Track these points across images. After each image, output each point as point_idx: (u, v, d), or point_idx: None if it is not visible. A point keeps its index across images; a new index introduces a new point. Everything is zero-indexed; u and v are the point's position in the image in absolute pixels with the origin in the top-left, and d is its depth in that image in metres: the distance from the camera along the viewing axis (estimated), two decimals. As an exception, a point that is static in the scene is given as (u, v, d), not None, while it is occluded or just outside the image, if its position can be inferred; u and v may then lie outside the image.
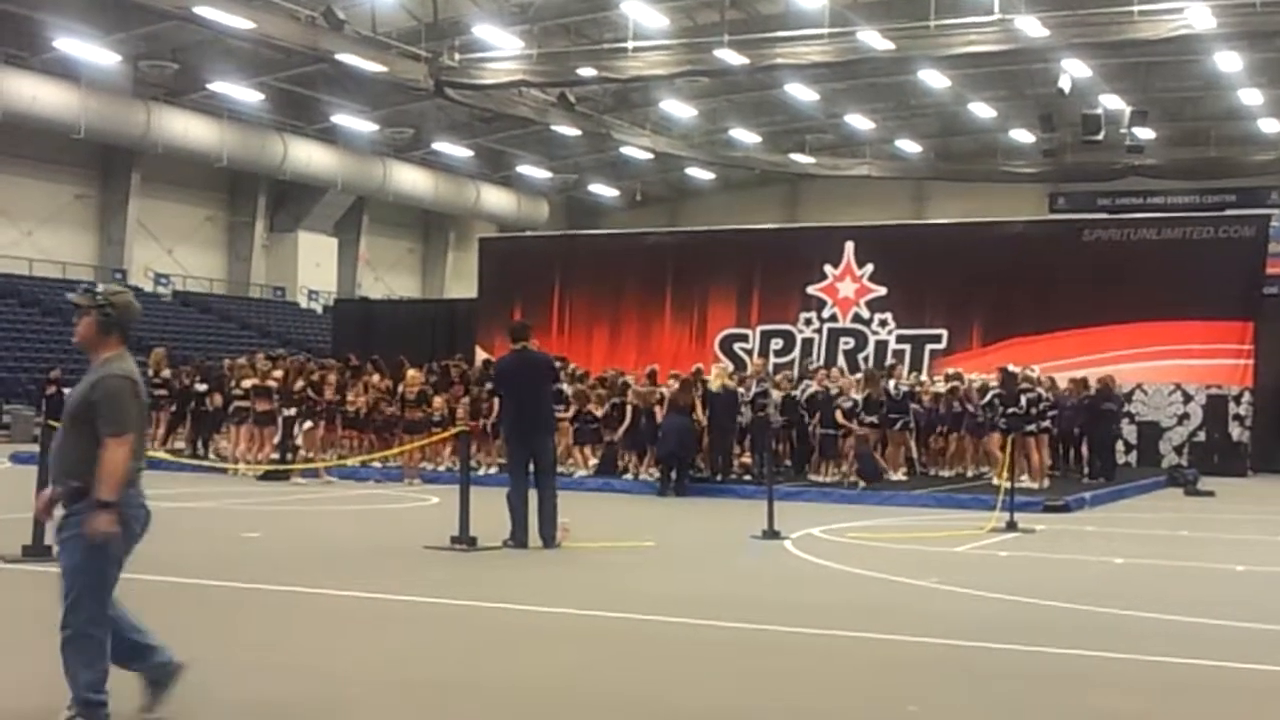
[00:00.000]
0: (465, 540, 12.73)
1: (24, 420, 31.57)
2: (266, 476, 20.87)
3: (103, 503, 5.90)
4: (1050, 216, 48.93)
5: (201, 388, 24.11)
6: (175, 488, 19.33)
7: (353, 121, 47.61)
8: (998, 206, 44.88)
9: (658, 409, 20.62)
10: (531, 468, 13.44)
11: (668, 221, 53.75)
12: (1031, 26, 33.15)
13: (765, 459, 17.71)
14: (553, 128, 47.50)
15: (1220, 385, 25.11)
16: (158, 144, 42.93)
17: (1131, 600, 10.31)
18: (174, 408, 24.84)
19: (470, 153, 53.00)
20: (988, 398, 20.62)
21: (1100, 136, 40.19)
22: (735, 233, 32.09)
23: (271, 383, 22.06)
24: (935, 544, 13.98)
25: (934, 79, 41.93)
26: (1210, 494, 20.96)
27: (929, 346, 26.77)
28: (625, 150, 51.70)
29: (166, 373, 25.25)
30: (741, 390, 21.05)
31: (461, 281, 52.13)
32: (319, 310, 50.02)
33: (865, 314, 27.35)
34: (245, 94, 43.40)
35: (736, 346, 28.06)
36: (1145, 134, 44.33)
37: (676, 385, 20.61)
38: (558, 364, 17.86)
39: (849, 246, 27.81)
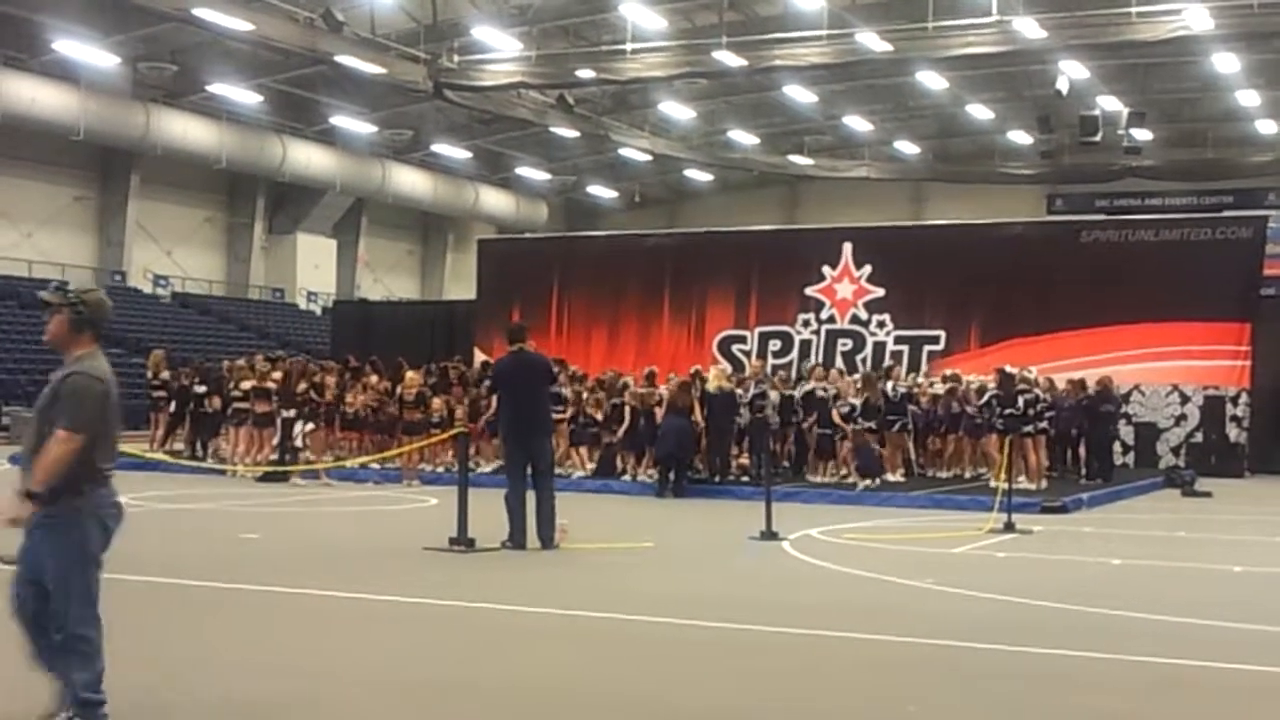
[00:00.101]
0: (464, 541, 12.76)
1: (23, 421, 31.56)
2: (265, 478, 20.89)
3: (29, 492, 5.84)
4: (1048, 218, 48.96)
5: (200, 389, 24.12)
6: (174, 489, 19.38)
7: (352, 123, 47.64)
8: (996, 208, 44.90)
9: (657, 410, 20.64)
10: (529, 469, 13.46)
11: (666, 223, 53.80)
12: (1029, 28, 33.17)
13: (763, 460, 17.74)
14: (551, 129, 47.52)
15: (1218, 386, 25.13)
16: (157, 146, 42.96)
17: (1129, 601, 10.34)
18: (173, 409, 24.87)
19: (469, 154, 53.03)
20: (985, 398, 20.65)
21: (1098, 138, 40.23)
22: (733, 234, 32.08)
23: (270, 384, 22.07)
24: (933, 545, 14.01)
25: (932, 80, 41.96)
26: (1207, 495, 20.99)
27: (927, 348, 26.79)
28: (624, 152, 51.73)
29: (166, 374, 25.28)
30: (740, 391, 21.07)
31: (460, 283, 52.16)
32: (318, 312, 50.04)
33: (863, 315, 27.37)
34: (244, 96, 43.43)
35: (735, 348, 28.07)
36: (1143, 135, 44.37)
37: (675, 386, 20.65)
38: (556, 366, 17.91)
39: (847, 248, 27.84)
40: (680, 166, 55.50)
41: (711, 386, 20.51)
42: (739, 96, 47.76)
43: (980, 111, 47.78)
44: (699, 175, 57.03)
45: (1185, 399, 25.32)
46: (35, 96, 39.02)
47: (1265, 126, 47.20)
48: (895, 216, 47.75)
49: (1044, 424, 20.34)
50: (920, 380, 23.40)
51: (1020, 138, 49.42)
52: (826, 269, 27.79)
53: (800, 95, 45.04)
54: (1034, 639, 8.74)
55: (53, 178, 43.34)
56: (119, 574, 10.97)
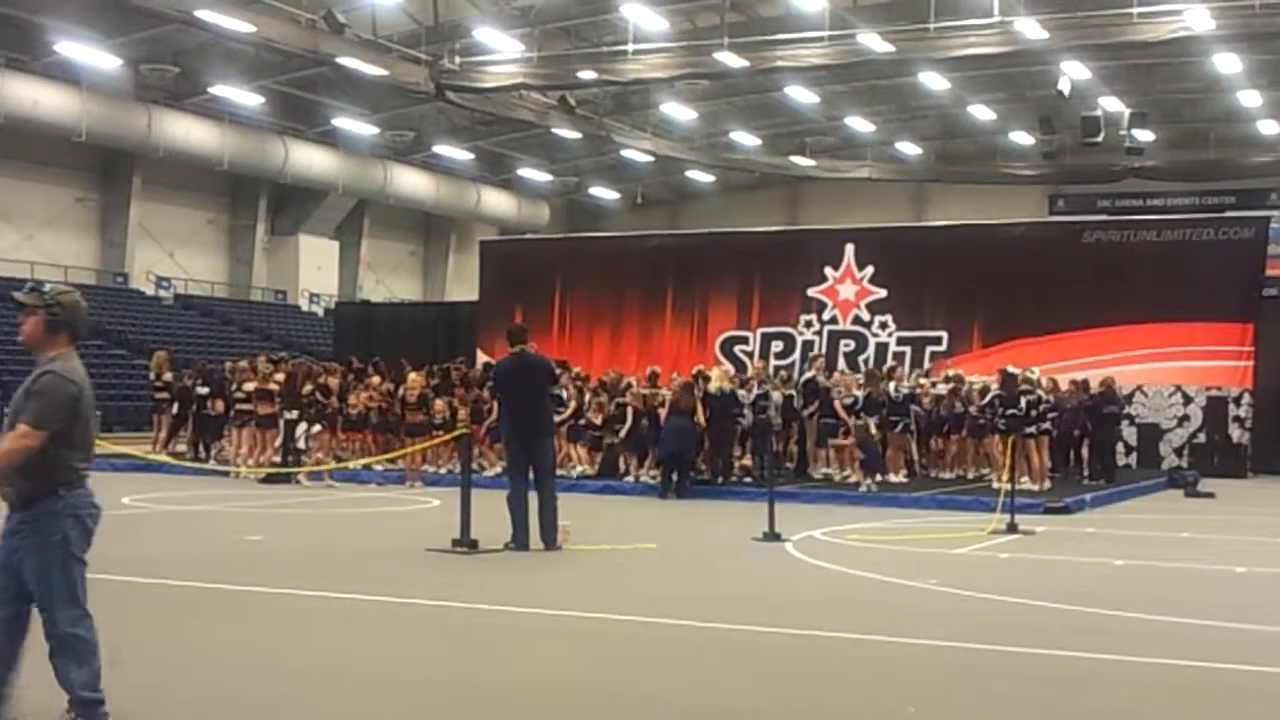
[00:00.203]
0: (467, 543, 12.76)
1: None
2: (268, 479, 20.90)
3: None
4: (1050, 218, 48.98)
5: (203, 391, 24.15)
6: (177, 490, 19.39)
7: (353, 125, 47.66)
8: (998, 208, 44.89)
9: (660, 411, 20.63)
10: (531, 471, 13.47)
11: (668, 224, 53.80)
12: (1031, 29, 33.16)
13: (766, 461, 17.73)
14: (553, 130, 47.53)
15: (1220, 387, 25.13)
16: (159, 147, 42.98)
17: (1131, 602, 10.34)
18: (175, 411, 24.89)
19: (471, 155, 53.03)
20: (987, 399, 20.65)
21: (1100, 138, 40.23)
22: (736, 235, 32.08)
23: (273, 386, 22.09)
24: (936, 546, 14.01)
25: (934, 81, 41.95)
26: (1210, 495, 20.98)
27: (929, 348, 26.78)
28: (626, 153, 51.74)
29: (168, 376, 25.31)
30: (743, 392, 21.07)
31: (462, 284, 52.18)
32: (320, 313, 50.07)
33: (865, 316, 27.37)
34: (246, 97, 43.45)
35: (737, 349, 28.08)
36: (1145, 136, 44.37)
37: (678, 387, 20.65)
38: (558, 368, 17.92)
39: (849, 249, 27.84)
40: (682, 167, 55.51)
41: (713, 387, 20.51)
42: (741, 97, 47.77)
43: (982, 112, 47.78)
44: (701, 176, 57.04)
45: (1188, 400, 25.32)
46: (37, 98, 39.05)
47: (1267, 127, 47.19)
48: (897, 217, 47.84)
49: (1046, 425, 20.33)
50: (923, 381, 23.40)
51: (1022, 138, 49.41)
52: (829, 270, 27.79)
53: (802, 96, 45.04)
54: (1036, 639, 8.74)
55: (55, 179, 43.37)
56: (121, 575, 11.01)
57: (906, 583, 11.29)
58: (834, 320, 27.59)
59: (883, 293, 27.29)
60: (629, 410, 21.29)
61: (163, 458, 22.64)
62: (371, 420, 22.63)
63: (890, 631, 8.95)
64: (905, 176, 54.12)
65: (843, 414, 20.67)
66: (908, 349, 26.76)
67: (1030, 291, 26.22)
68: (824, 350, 27.07)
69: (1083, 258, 26.16)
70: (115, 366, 38.54)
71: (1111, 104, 42.45)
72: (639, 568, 12.59)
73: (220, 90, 42.82)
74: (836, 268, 27.75)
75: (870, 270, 27.44)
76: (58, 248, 43.64)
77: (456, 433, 17.77)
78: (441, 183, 54.03)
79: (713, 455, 20.68)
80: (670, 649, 8.59)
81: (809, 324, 27.76)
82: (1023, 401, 19.83)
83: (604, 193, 59.69)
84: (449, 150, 51.76)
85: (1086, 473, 22.10)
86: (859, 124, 49.43)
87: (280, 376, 22.30)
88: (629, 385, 22.07)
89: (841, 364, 25.92)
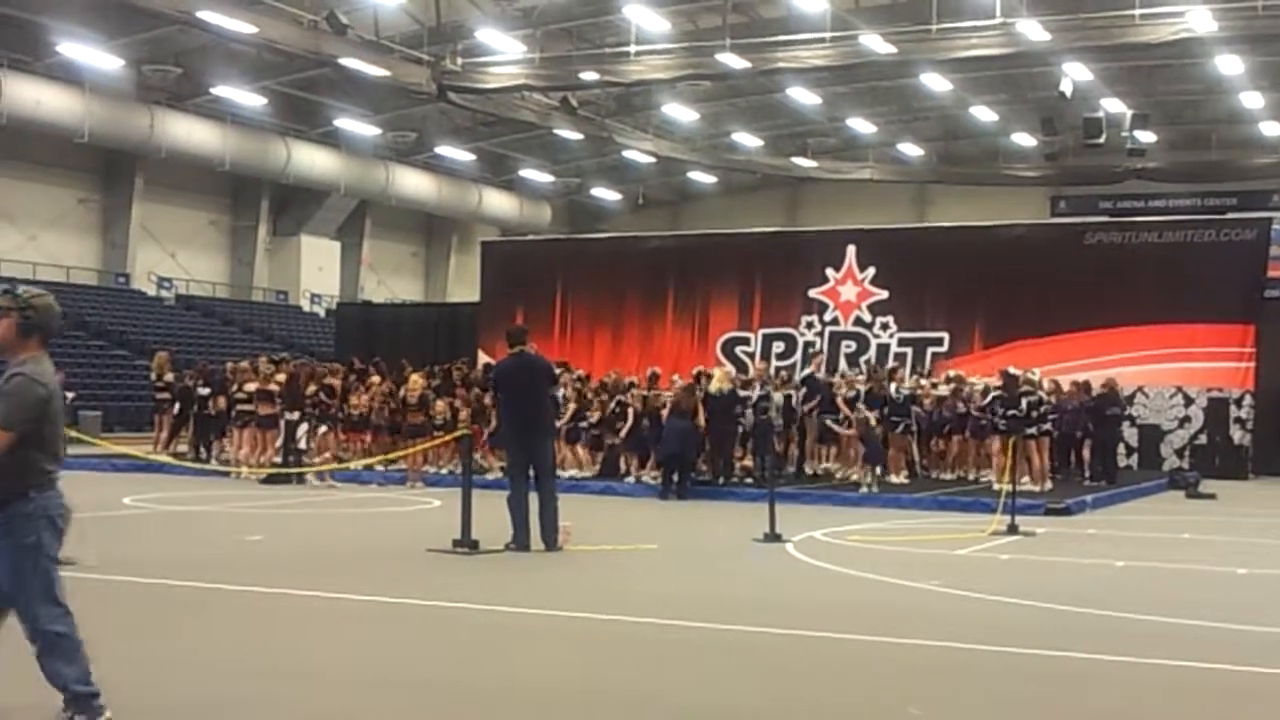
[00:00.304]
0: (467, 543, 12.77)
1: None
2: (269, 480, 20.92)
3: None
4: (1052, 220, 48.98)
5: (204, 391, 24.16)
6: (178, 491, 19.41)
7: (355, 125, 47.68)
8: (999, 210, 44.83)
9: (662, 413, 20.63)
10: (531, 471, 13.48)
11: (669, 225, 53.81)
12: (1033, 30, 33.16)
13: (767, 462, 17.73)
14: (555, 131, 47.55)
15: (1221, 388, 25.13)
16: (161, 148, 43.00)
17: (1132, 603, 10.34)
18: (177, 411, 24.90)
19: (473, 156, 53.05)
20: (988, 399, 20.66)
21: (1102, 140, 40.21)
22: (737, 236, 32.07)
23: (274, 386, 22.11)
24: (936, 547, 14.01)
25: (935, 83, 41.94)
26: (1211, 497, 20.98)
27: (930, 349, 26.79)
28: (627, 154, 51.76)
29: (170, 376, 25.33)
30: (744, 393, 21.07)
31: (464, 285, 52.19)
32: (321, 314, 50.10)
33: (867, 317, 27.37)
34: (248, 98, 43.48)
35: (738, 350, 28.09)
36: (1146, 137, 44.38)
37: (679, 388, 20.66)
38: (558, 368, 17.92)
39: (851, 250, 27.85)
40: (684, 168, 55.52)
41: (713, 388, 20.51)
42: (742, 99, 47.78)
43: (984, 113, 47.79)
44: (702, 177, 57.05)
45: (1189, 401, 25.32)
46: (40, 99, 39.07)
47: (1269, 129, 47.17)
48: (899, 218, 47.84)
49: (1047, 426, 20.33)
50: (924, 382, 23.41)
51: (1024, 140, 49.42)
52: (830, 271, 27.81)
53: (804, 97, 45.05)
54: (1037, 640, 8.74)
55: (57, 180, 43.40)
56: (122, 575, 11.03)
57: (907, 584, 11.29)
58: (835, 321, 27.60)
59: (884, 294, 27.30)
60: (629, 411, 21.30)
61: (164, 458, 22.65)
62: (372, 421, 22.64)
63: (891, 632, 8.96)
64: (907, 178, 54.12)
65: (844, 407, 20.68)
66: (909, 350, 26.78)
67: (1031, 293, 26.23)
68: (825, 351, 27.10)
69: (1084, 259, 26.17)
70: (117, 367, 38.57)
71: (1113, 105, 42.44)
72: (640, 568, 12.60)
73: (222, 91, 42.84)
74: (838, 269, 27.76)
75: (872, 271, 27.45)
76: (60, 248, 43.68)
77: (458, 433, 17.78)
78: (443, 183, 54.04)
79: (713, 456, 20.69)
80: (671, 649, 8.59)
81: (810, 325, 27.78)
82: (1023, 402, 19.83)
83: (605, 194, 59.70)
84: (451, 151, 51.78)
85: (1087, 474, 22.09)
86: (861, 125, 49.43)
87: (281, 377, 22.31)
88: (631, 385, 22.08)
89: (843, 365, 25.93)
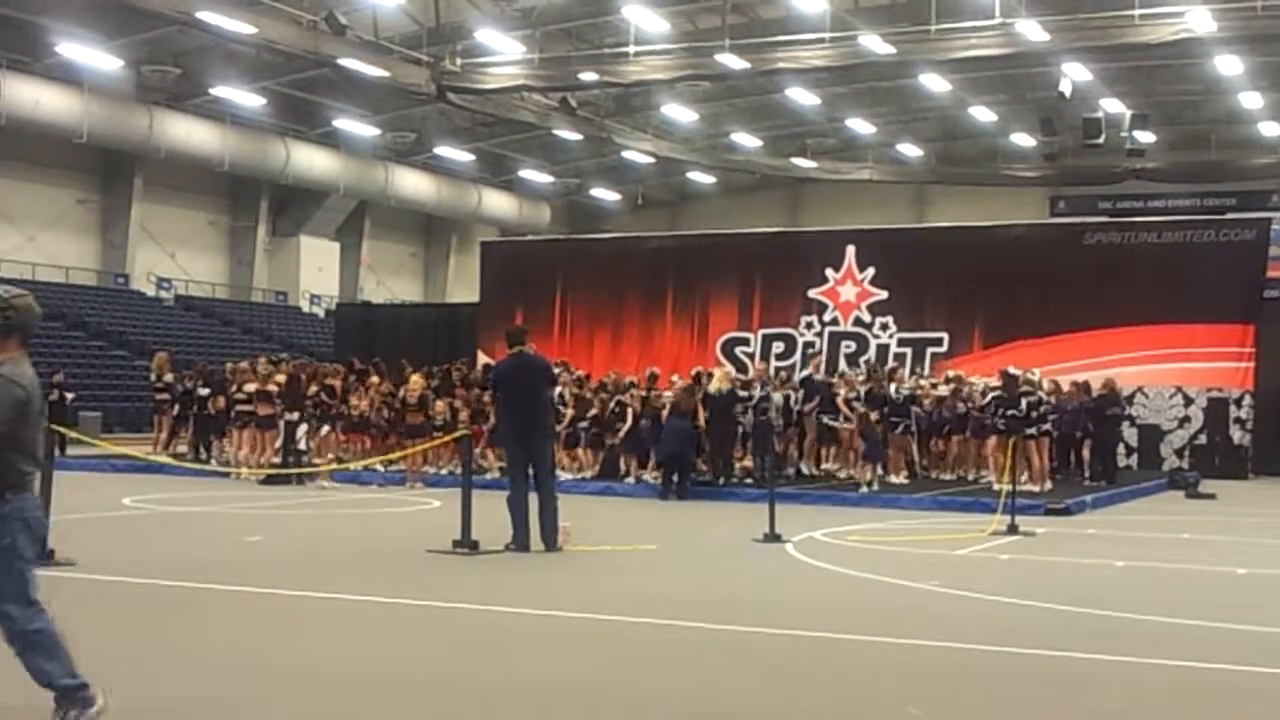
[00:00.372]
0: (467, 544, 12.76)
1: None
2: (269, 480, 20.91)
3: None
4: (1051, 220, 48.97)
5: (204, 392, 24.15)
6: (178, 491, 19.41)
7: (354, 126, 47.69)
8: (998, 210, 44.85)
9: (662, 413, 20.62)
10: (531, 471, 13.48)
11: (669, 225, 53.82)
12: (1032, 30, 33.17)
13: (767, 462, 17.72)
14: (554, 132, 47.57)
15: (1221, 388, 25.13)
16: (160, 149, 43.00)
17: (1132, 603, 10.34)
18: (176, 412, 24.90)
19: (472, 157, 53.06)
20: (987, 399, 20.66)
21: (1101, 140, 40.23)
22: (736, 236, 32.08)
23: (272, 387, 22.12)
24: (936, 547, 14.01)
25: (935, 83, 41.95)
26: (1211, 497, 20.99)
27: (930, 350, 26.79)
28: (626, 154, 51.77)
29: (169, 377, 25.32)
30: (744, 394, 21.05)
31: (463, 286, 52.21)
32: (321, 314, 50.11)
33: (866, 317, 27.37)
34: (247, 99, 43.48)
35: (738, 350, 28.09)
36: (1146, 137, 44.40)
37: (679, 388, 20.66)
38: (558, 369, 17.90)
39: (850, 250, 27.86)
40: (683, 169, 55.53)
41: (713, 388, 20.51)
42: (742, 99, 47.80)
43: (983, 114, 47.81)
44: (702, 178, 57.07)
45: (1189, 401, 25.32)
46: (39, 99, 39.07)
47: (1268, 129, 47.19)
48: (898, 219, 47.86)
49: (1046, 426, 20.33)
50: (923, 382, 23.42)
51: (1023, 140, 49.44)
52: (829, 271, 27.81)
53: (803, 98, 45.07)
54: (1037, 641, 8.74)
55: (56, 181, 43.41)
56: (121, 576, 11.02)
57: (907, 584, 11.29)
58: (835, 321, 27.61)
59: (884, 294, 27.30)
60: (629, 411, 21.30)
61: (163, 459, 22.64)
62: (371, 421, 22.63)
63: (890, 632, 8.95)
64: (906, 178, 54.14)
65: (844, 408, 20.68)
66: (909, 350, 26.79)
67: (1031, 293, 26.24)
68: (825, 351, 27.11)
69: (1083, 259, 26.17)
70: (116, 368, 38.57)
71: (1113, 106, 42.45)
72: (639, 569, 12.59)
73: (221, 91, 42.85)
74: (837, 269, 27.77)
75: (871, 272, 27.46)
76: (59, 249, 43.68)
77: (457, 434, 17.77)
78: (442, 184, 54.05)
79: (713, 456, 20.68)
80: (670, 650, 8.59)
81: (810, 325, 27.78)
82: (1023, 403, 19.83)
83: (605, 194, 59.71)
84: (450, 151, 51.79)
85: (1087, 474, 22.09)
86: (860, 125, 49.45)
87: (280, 378, 22.31)
88: (630, 385, 22.09)
89: (842, 365, 25.93)
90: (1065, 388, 22.16)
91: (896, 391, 21.42)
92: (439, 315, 36.04)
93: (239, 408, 22.65)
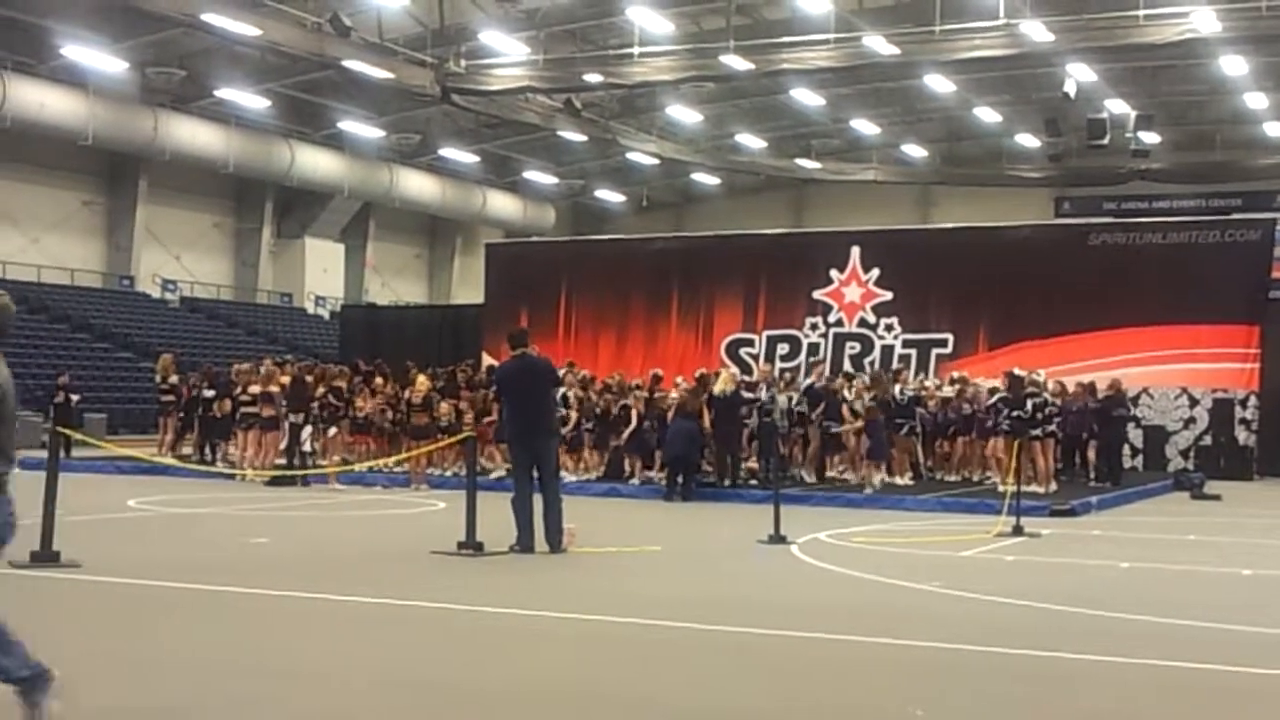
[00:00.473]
0: (472, 545, 12.77)
1: (31, 426, 31.58)
2: (274, 482, 20.93)
3: None
4: (1056, 221, 48.99)
5: (209, 394, 24.18)
6: (183, 493, 19.43)
7: (359, 128, 47.72)
8: (1003, 211, 44.88)
9: (668, 414, 20.62)
10: (535, 473, 13.49)
11: (674, 226, 53.82)
12: (1037, 31, 33.15)
13: (771, 464, 17.71)
14: (559, 133, 47.58)
15: (1226, 389, 25.10)
16: (165, 151, 43.05)
17: (1137, 604, 10.33)
18: (181, 414, 24.92)
19: (477, 158, 53.08)
20: (993, 400, 20.65)
21: (1106, 141, 40.20)
22: (741, 237, 32.07)
23: (274, 388, 22.14)
24: (941, 548, 14.00)
25: (939, 84, 41.94)
26: (1216, 498, 20.96)
27: (935, 351, 26.78)
28: (631, 156, 51.77)
29: (174, 379, 25.36)
30: (749, 395, 21.04)
31: (468, 287, 52.24)
32: (326, 316, 50.15)
33: (871, 319, 27.36)
34: (252, 101, 43.52)
35: (743, 351, 28.08)
36: (1151, 138, 44.37)
37: (685, 390, 20.66)
38: (564, 370, 17.90)
39: (855, 251, 27.85)
40: (688, 170, 55.53)
41: (718, 389, 20.51)
42: (746, 100, 47.80)
43: (988, 114, 47.79)
44: (706, 179, 57.06)
45: (1194, 402, 25.29)
46: (44, 101, 39.12)
47: (1273, 129, 47.15)
48: (903, 220, 47.86)
49: (1052, 427, 20.31)
50: (927, 384, 23.40)
51: (1028, 141, 49.41)
52: (834, 272, 27.80)
53: (808, 99, 45.05)
54: (1042, 642, 8.73)
55: (61, 182, 43.47)
56: (126, 578, 11.03)
57: (911, 585, 11.28)
58: (839, 323, 27.60)
59: (888, 295, 27.29)
60: (632, 412, 21.30)
61: (169, 460, 22.67)
62: (374, 423, 22.64)
63: (895, 634, 8.95)
64: (911, 179, 54.13)
65: (848, 416, 20.66)
66: (913, 351, 26.77)
67: (1036, 294, 26.22)
68: (829, 352, 27.14)
69: (1088, 260, 26.15)
70: (121, 370, 38.61)
71: (1117, 106, 42.44)
72: (644, 570, 12.60)
73: (226, 93, 42.90)
74: (842, 270, 27.76)
75: (876, 273, 27.45)
76: (64, 251, 43.73)
77: (462, 435, 17.78)
78: (447, 185, 54.08)
79: (719, 458, 20.68)
80: (675, 651, 8.59)
81: (814, 326, 27.77)
82: (1029, 404, 19.81)
83: (609, 195, 59.72)
84: (454, 153, 51.82)
85: (1092, 475, 22.06)
86: (864, 126, 49.43)
87: (284, 379, 22.33)
88: (635, 388, 22.09)
89: (847, 366, 25.92)
90: (1070, 389, 22.13)
91: (901, 393, 21.39)
92: (444, 317, 36.05)
93: (244, 409, 22.68)
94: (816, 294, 27.89)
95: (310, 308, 51.34)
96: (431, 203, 54.10)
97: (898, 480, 20.69)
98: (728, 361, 27.06)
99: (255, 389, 22.48)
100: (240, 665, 7.88)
